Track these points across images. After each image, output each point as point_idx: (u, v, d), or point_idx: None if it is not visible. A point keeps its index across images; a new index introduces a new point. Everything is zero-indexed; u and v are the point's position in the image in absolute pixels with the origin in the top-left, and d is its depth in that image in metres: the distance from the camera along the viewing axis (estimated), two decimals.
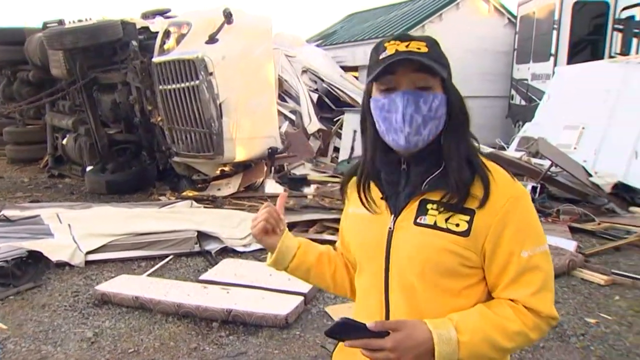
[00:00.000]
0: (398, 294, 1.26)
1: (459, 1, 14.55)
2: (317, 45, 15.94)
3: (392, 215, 1.27)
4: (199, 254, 5.28)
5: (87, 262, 5.04)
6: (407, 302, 1.25)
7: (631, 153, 7.71)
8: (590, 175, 7.17)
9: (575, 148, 8.67)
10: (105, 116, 8.46)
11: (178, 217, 5.82)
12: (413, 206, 1.25)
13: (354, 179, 1.38)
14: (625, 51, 10.64)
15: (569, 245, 5.34)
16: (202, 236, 5.41)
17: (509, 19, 14.83)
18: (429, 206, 1.23)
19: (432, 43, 1.24)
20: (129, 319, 3.97)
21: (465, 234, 1.20)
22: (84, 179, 8.68)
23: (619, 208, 6.82)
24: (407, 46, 1.20)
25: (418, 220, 1.24)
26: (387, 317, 1.27)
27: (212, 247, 5.33)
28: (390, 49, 1.20)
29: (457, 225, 1.21)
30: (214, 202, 7.38)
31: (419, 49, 1.20)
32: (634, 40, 10.42)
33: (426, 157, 1.26)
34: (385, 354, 1.12)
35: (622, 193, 7.02)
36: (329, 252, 1.55)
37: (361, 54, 15.70)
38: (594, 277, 4.73)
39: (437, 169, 1.25)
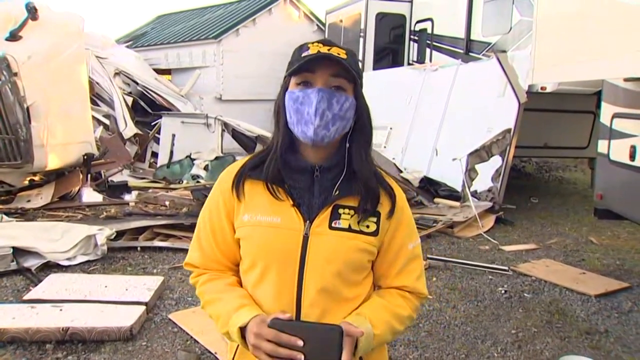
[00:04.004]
0: (312, 291, 1.33)
1: (271, 7, 14.94)
2: (127, 47, 15.26)
3: (307, 222, 1.34)
4: (17, 272, 4.76)
5: None
6: (320, 298, 1.33)
7: (432, 151, 8.61)
8: (401, 172, 7.87)
9: (385, 147, 9.46)
10: None
11: None
12: (327, 212, 1.34)
13: (249, 182, 1.38)
14: (420, 59, 11.79)
15: None
16: (19, 252, 4.88)
17: (317, 25, 15.56)
18: (341, 211, 1.34)
19: (351, 53, 1.35)
20: None
21: (375, 234, 1.37)
22: None
23: (426, 200, 7.59)
24: (328, 49, 1.30)
25: (333, 225, 1.33)
26: (299, 312, 1.34)
27: (32, 263, 4.83)
28: (313, 49, 1.30)
29: (368, 226, 1.36)
30: (24, 215, 6.71)
31: (338, 54, 1.30)
32: (427, 50, 11.59)
33: (335, 165, 1.36)
34: None
35: (428, 186, 7.81)
36: (236, 282, 1.45)
37: (174, 57, 15.36)
38: None
39: (342, 174, 1.36)
